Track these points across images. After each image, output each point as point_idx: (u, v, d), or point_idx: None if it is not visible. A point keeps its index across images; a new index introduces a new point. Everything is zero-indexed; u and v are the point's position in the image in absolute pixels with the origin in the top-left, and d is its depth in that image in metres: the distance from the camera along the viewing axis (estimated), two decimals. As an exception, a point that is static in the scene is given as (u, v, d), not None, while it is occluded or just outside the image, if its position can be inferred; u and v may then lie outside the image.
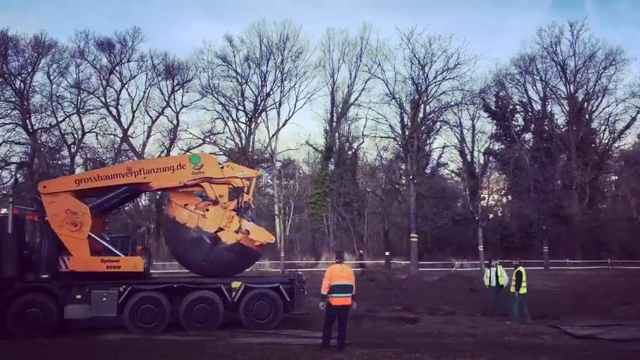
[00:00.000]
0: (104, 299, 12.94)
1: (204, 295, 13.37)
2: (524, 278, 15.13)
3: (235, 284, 13.42)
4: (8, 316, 12.73)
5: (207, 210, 13.85)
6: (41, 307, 12.83)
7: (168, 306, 13.20)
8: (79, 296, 12.96)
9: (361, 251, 45.79)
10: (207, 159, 14.32)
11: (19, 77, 45.68)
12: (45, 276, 13.10)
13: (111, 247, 13.69)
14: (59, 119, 46.87)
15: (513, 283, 15.26)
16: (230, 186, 13.90)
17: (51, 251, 13.24)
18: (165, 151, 48.92)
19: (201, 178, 13.70)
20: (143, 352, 10.92)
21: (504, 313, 15.69)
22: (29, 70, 45.79)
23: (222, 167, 14.18)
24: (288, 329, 13.37)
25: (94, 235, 13.55)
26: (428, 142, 50.90)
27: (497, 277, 16.95)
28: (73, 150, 47.52)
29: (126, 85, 48.18)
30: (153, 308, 13.09)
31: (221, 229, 13.67)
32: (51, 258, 13.22)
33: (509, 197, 51.53)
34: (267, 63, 48.19)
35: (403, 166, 47.32)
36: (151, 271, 15.89)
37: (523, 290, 15.09)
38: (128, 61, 47.87)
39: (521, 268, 15.26)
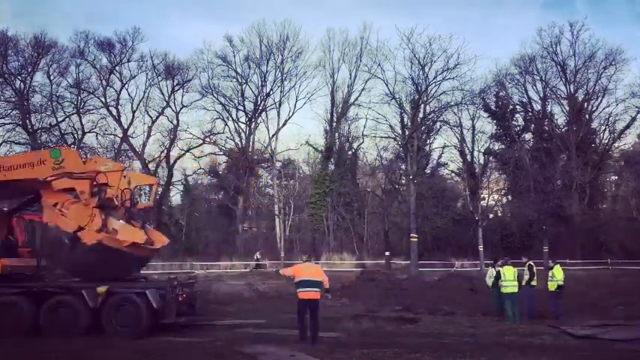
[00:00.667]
0: None
1: (65, 299, 12.61)
2: (506, 277, 15.16)
3: (100, 289, 12.46)
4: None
5: (68, 208, 12.91)
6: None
7: (29, 311, 12.63)
8: None
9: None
10: (68, 153, 13.44)
11: (19, 77, 45.74)
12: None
13: None
14: (59, 119, 47.02)
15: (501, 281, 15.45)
16: (94, 182, 12.82)
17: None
18: (165, 151, 48.99)
19: (61, 173, 12.84)
20: (143, 352, 10.92)
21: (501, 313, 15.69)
22: (29, 70, 45.90)
23: (85, 161, 13.39)
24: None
25: None
26: (428, 142, 50.92)
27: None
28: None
29: (126, 85, 48.32)
30: (12, 312, 12.60)
31: (82, 228, 12.65)
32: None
33: (509, 197, 51.53)
34: (267, 63, 48.33)
35: (403, 166, 47.29)
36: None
37: (506, 290, 15.08)
38: (128, 61, 48.02)
39: (501, 268, 15.33)
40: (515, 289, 15.23)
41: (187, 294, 13.69)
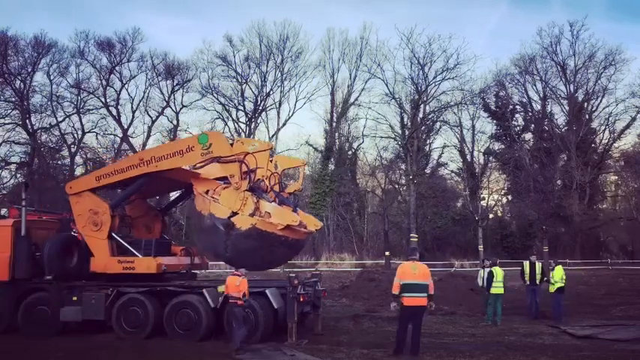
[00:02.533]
0: (93, 302, 12.68)
1: (188, 299, 12.26)
2: (498, 278, 15.12)
3: (221, 288, 11.88)
4: (18, 315, 13.05)
5: (220, 194, 12.47)
6: (46, 306, 13.00)
7: (152, 310, 12.37)
8: (75, 298, 12.85)
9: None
10: (215, 137, 12.72)
11: (19, 77, 45.72)
12: (48, 277, 13.13)
13: (129, 247, 13.00)
14: (59, 119, 47.00)
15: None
16: (243, 164, 12.19)
17: (52, 252, 13.22)
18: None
19: (209, 158, 12.35)
20: (143, 352, 10.94)
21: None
22: (29, 70, 45.90)
23: (232, 144, 12.54)
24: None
25: (116, 236, 13.04)
26: (428, 142, 50.93)
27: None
28: (73, 150, 47.56)
29: (126, 85, 48.31)
30: (138, 311, 12.44)
31: (235, 214, 11.95)
32: (53, 259, 13.20)
33: (509, 197, 51.54)
34: (267, 63, 48.31)
35: (403, 166, 47.34)
36: (195, 272, 14.53)
37: (495, 290, 15.06)
38: (128, 61, 48.01)
39: (495, 269, 15.32)
40: (502, 291, 15.17)
41: (310, 293, 12.72)
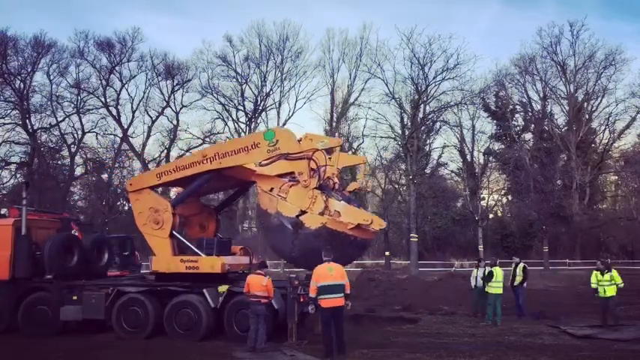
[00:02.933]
0: (93, 301, 12.68)
1: (188, 299, 12.28)
2: (497, 278, 15.14)
3: (222, 288, 12.02)
4: (18, 315, 13.05)
5: (287, 192, 12.00)
6: (46, 306, 13.03)
7: (152, 309, 12.40)
8: (75, 297, 12.87)
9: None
10: (282, 133, 12.41)
11: (19, 77, 45.73)
12: (49, 277, 13.13)
13: (192, 246, 12.77)
14: (59, 119, 47.03)
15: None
16: (311, 160, 11.86)
17: (52, 251, 13.23)
18: (165, 151, 48.97)
19: (276, 155, 12.04)
20: (143, 352, 10.94)
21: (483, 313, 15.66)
22: (29, 70, 45.91)
23: (300, 140, 12.17)
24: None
25: (177, 234, 12.87)
26: (428, 142, 50.89)
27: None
28: (73, 150, 47.57)
29: (126, 85, 48.32)
30: (138, 311, 12.46)
31: (303, 212, 11.62)
32: (54, 258, 13.21)
33: (509, 197, 51.51)
34: (267, 63, 48.30)
35: (403, 166, 47.29)
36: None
37: (495, 290, 15.06)
38: (128, 61, 48.01)
39: (495, 269, 15.34)
40: (501, 291, 15.17)
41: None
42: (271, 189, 12.19)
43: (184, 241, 12.91)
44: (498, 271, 15.29)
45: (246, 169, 12.50)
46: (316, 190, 11.69)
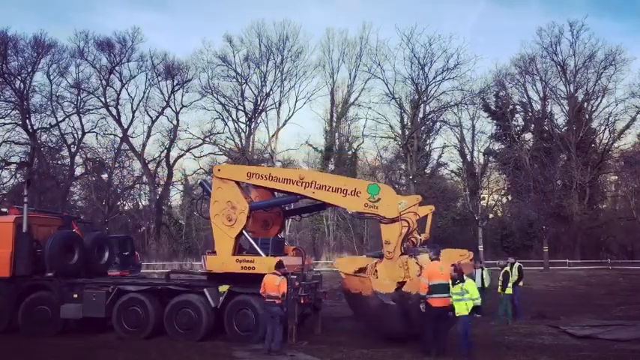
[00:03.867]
0: (93, 299, 12.69)
1: (189, 299, 12.26)
2: (510, 279, 15.17)
3: (222, 287, 11.97)
4: (18, 314, 13.06)
5: (377, 269, 11.50)
6: (47, 305, 13.04)
7: (152, 309, 12.39)
8: (75, 295, 12.89)
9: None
10: (386, 193, 11.68)
11: (19, 77, 45.70)
12: (49, 274, 13.15)
13: (257, 248, 12.49)
14: (59, 119, 46.99)
15: (500, 283, 15.35)
16: (404, 225, 11.23)
17: (53, 249, 13.25)
18: (165, 151, 48.97)
19: (372, 213, 11.56)
20: (143, 352, 10.94)
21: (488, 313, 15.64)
22: (29, 70, 45.86)
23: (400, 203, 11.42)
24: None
25: (246, 234, 12.59)
26: (428, 142, 50.90)
27: (482, 278, 16.70)
28: (72, 150, 47.57)
29: (126, 85, 48.24)
30: (139, 311, 12.47)
31: (403, 283, 11.11)
32: (54, 256, 13.23)
33: (509, 197, 51.51)
34: (267, 63, 48.26)
35: (403, 166, 47.33)
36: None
37: (508, 291, 15.08)
38: (128, 61, 47.92)
39: (507, 268, 15.35)
40: (511, 290, 15.22)
41: (311, 296, 12.62)
42: (358, 269, 11.76)
43: (252, 241, 12.54)
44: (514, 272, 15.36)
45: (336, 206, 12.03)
46: (403, 257, 11.23)
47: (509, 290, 15.09)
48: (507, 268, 15.51)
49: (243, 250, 12.74)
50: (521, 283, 16.58)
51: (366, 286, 11.29)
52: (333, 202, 12.34)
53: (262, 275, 11.53)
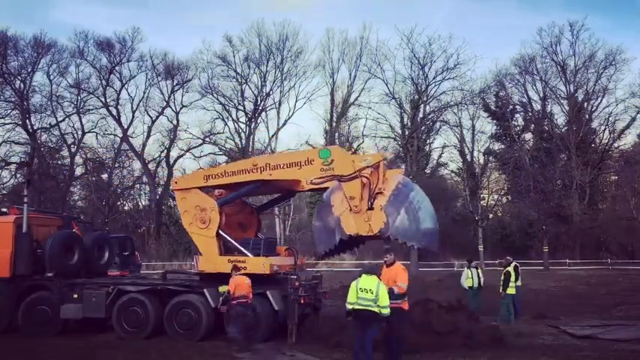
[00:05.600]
0: (94, 299, 12.68)
1: (189, 299, 12.25)
2: (512, 278, 15.17)
3: (222, 288, 11.86)
4: (18, 314, 13.04)
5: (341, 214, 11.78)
6: (47, 305, 13.03)
7: (152, 309, 12.36)
8: (75, 296, 12.88)
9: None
10: (338, 153, 12.25)
11: (19, 77, 45.74)
12: (49, 275, 13.15)
13: (239, 247, 12.60)
14: (59, 119, 47.05)
15: (501, 283, 15.35)
16: (364, 183, 11.56)
17: (53, 249, 13.25)
18: (165, 151, 48.98)
19: (330, 175, 11.88)
20: (143, 352, 10.94)
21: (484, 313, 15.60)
22: (29, 70, 45.92)
23: (354, 161, 11.87)
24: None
25: (223, 234, 12.69)
26: (428, 142, 50.92)
27: (478, 278, 16.63)
28: (72, 150, 47.60)
29: (126, 85, 48.28)
30: (139, 311, 12.45)
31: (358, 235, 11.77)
32: (54, 256, 13.23)
33: (509, 197, 51.51)
34: (267, 63, 48.26)
35: (403, 166, 47.30)
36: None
37: (511, 290, 15.08)
38: (128, 61, 47.99)
39: (510, 268, 15.36)
40: (514, 290, 15.20)
41: (311, 295, 12.58)
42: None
43: (232, 241, 12.66)
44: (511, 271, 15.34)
45: (297, 182, 12.39)
46: (369, 211, 11.53)
47: (511, 290, 15.07)
48: (510, 268, 15.48)
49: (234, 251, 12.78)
50: (519, 283, 16.54)
51: (340, 209, 11.66)
52: (293, 177, 12.43)
53: (252, 275, 11.75)
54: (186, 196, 12.96)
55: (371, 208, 11.49)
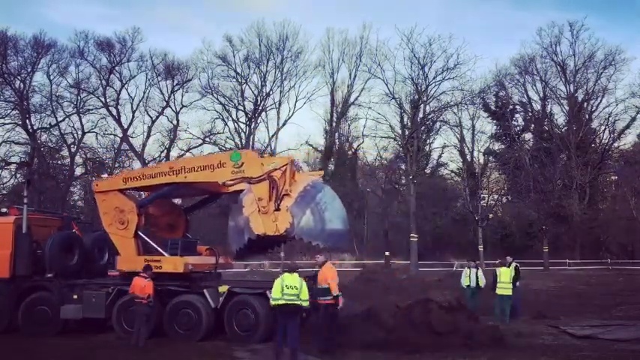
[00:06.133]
0: (94, 300, 12.71)
1: (189, 299, 12.28)
2: (502, 279, 15.14)
3: (222, 288, 12.07)
4: (18, 314, 13.04)
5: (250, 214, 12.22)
6: (47, 305, 13.04)
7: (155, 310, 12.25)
8: (75, 296, 12.88)
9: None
10: (248, 156, 12.68)
11: (19, 77, 45.72)
12: (49, 275, 13.16)
13: (156, 246, 12.87)
14: (59, 119, 47.01)
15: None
16: (272, 185, 11.95)
17: (53, 249, 13.25)
18: (165, 151, 48.99)
19: (240, 177, 12.30)
20: (143, 352, 10.95)
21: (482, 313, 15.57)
22: (29, 70, 45.89)
23: (262, 164, 12.30)
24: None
25: (142, 234, 12.99)
26: (428, 142, 50.96)
27: (477, 278, 16.52)
28: (72, 150, 47.58)
29: (126, 85, 48.28)
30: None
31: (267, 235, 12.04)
32: (54, 256, 13.23)
33: (509, 197, 51.55)
34: (267, 63, 48.30)
35: (403, 166, 47.35)
36: (220, 272, 14.17)
37: (500, 291, 15.07)
38: (128, 60, 47.98)
39: (500, 269, 15.34)
40: (509, 292, 15.13)
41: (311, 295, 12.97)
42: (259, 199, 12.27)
43: (149, 241, 13.07)
44: (503, 272, 15.29)
45: (215, 184, 12.78)
46: (277, 212, 11.89)
47: (502, 290, 15.02)
48: (503, 269, 15.39)
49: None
50: (517, 283, 16.47)
51: (249, 210, 12.07)
52: (206, 179, 12.78)
53: (169, 274, 12.31)
54: (106, 198, 13.34)
55: (278, 209, 11.85)
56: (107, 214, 13.17)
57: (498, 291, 15.12)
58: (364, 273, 27.76)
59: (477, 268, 16.98)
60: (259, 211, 11.91)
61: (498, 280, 15.20)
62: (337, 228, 12.19)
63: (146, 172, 13.65)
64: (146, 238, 13.05)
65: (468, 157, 51.05)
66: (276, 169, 11.93)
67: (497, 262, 16.81)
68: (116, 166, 48.05)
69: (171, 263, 12.45)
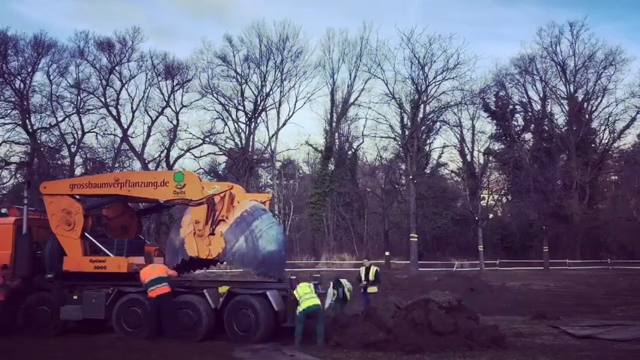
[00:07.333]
0: (93, 300, 12.76)
1: (189, 299, 12.32)
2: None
3: (222, 288, 12.10)
4: (18, 315, 13.07)
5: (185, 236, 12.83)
6: (47, 306, 13.06)
7: (152, 311, 12.30)
8: (75, 297, 12.91)
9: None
10: (190, 178, 12.96)
11: (19, 77, 45.64)
12: (49, 276, 13.17)
13: (102, 247, 13.17)
14: (59, 119, 46.90)
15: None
16: (211, 210, 12.42)
17: (54, 251, 13.26)
18: (165, 151, 48.98)
19: (180, 199, 12.74)
20: (143, 352, 10.93)
21: None
22: (29, 70, 45.79)
23: (203, 188, 12.74)
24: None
25: (89, 235, 13.23)
26: (428, 142, 50.97)
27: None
28: (72, 150, 47.54)
29: (126, 85, 48.16)
30: (138, 312, 12.51)
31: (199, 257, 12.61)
32: (54, 257, 13.23)
33: (509, 197, 51.57)
34: (267, 63, 48.18)
35: (403, 166, 47.34)
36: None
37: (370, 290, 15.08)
38: (128, 61, 47.84)
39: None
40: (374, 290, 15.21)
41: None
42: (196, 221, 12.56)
43: (95, 242, 13.24)
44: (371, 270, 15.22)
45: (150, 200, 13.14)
46: (211, 236, 12.37)
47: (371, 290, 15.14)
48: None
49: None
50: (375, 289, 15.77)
51: (185, 232, 12.77)
52: (147, 196, 13.22)
53: (114, 274, 12.76)
54: (53, 200, 13.49)
55: (213, 234, 12.30)
56: (55, 215, 13.32)
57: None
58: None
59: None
60: (195, 233, 12.40)
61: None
62: (270, 255, 12.41)
63: (92, 181, 13.93)
64: (92, 239, 13.27)
65: (468, 157, 51.07)
66: (215, 194, 12.38)
67: (499, 261, 16.62)
68: (116, 166, 48.06)
69: (115, 263, 12.80)
